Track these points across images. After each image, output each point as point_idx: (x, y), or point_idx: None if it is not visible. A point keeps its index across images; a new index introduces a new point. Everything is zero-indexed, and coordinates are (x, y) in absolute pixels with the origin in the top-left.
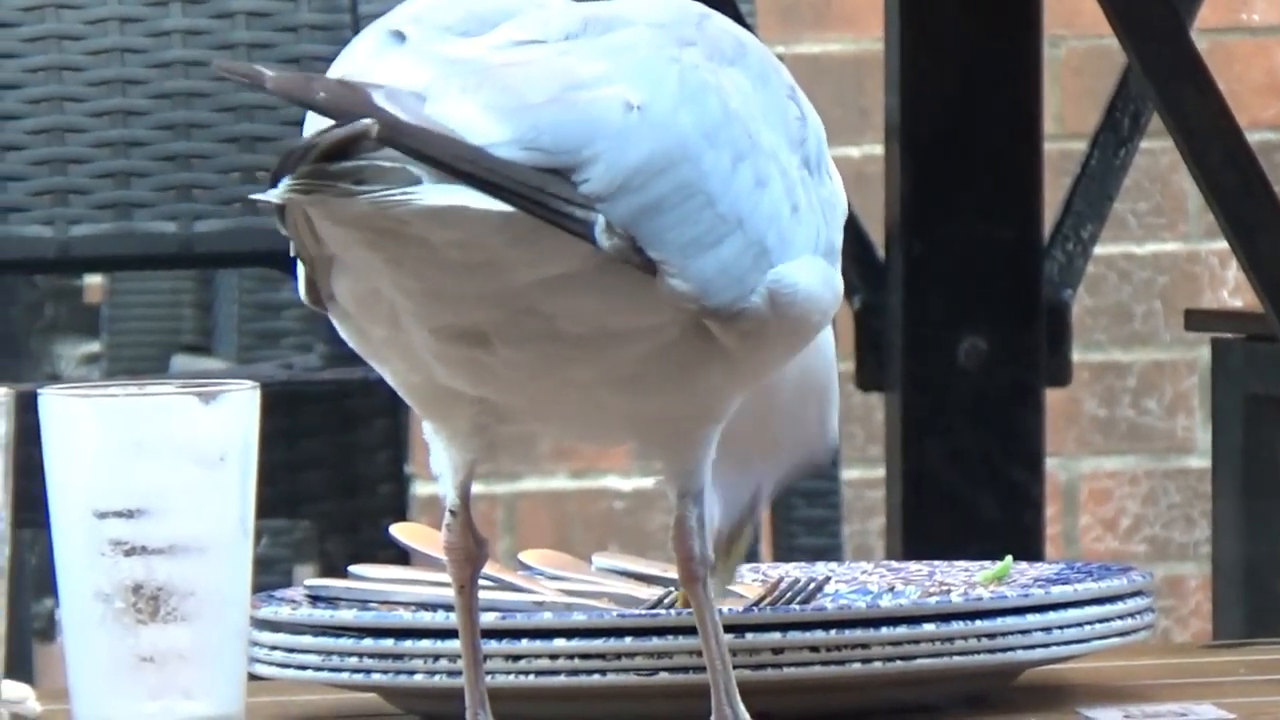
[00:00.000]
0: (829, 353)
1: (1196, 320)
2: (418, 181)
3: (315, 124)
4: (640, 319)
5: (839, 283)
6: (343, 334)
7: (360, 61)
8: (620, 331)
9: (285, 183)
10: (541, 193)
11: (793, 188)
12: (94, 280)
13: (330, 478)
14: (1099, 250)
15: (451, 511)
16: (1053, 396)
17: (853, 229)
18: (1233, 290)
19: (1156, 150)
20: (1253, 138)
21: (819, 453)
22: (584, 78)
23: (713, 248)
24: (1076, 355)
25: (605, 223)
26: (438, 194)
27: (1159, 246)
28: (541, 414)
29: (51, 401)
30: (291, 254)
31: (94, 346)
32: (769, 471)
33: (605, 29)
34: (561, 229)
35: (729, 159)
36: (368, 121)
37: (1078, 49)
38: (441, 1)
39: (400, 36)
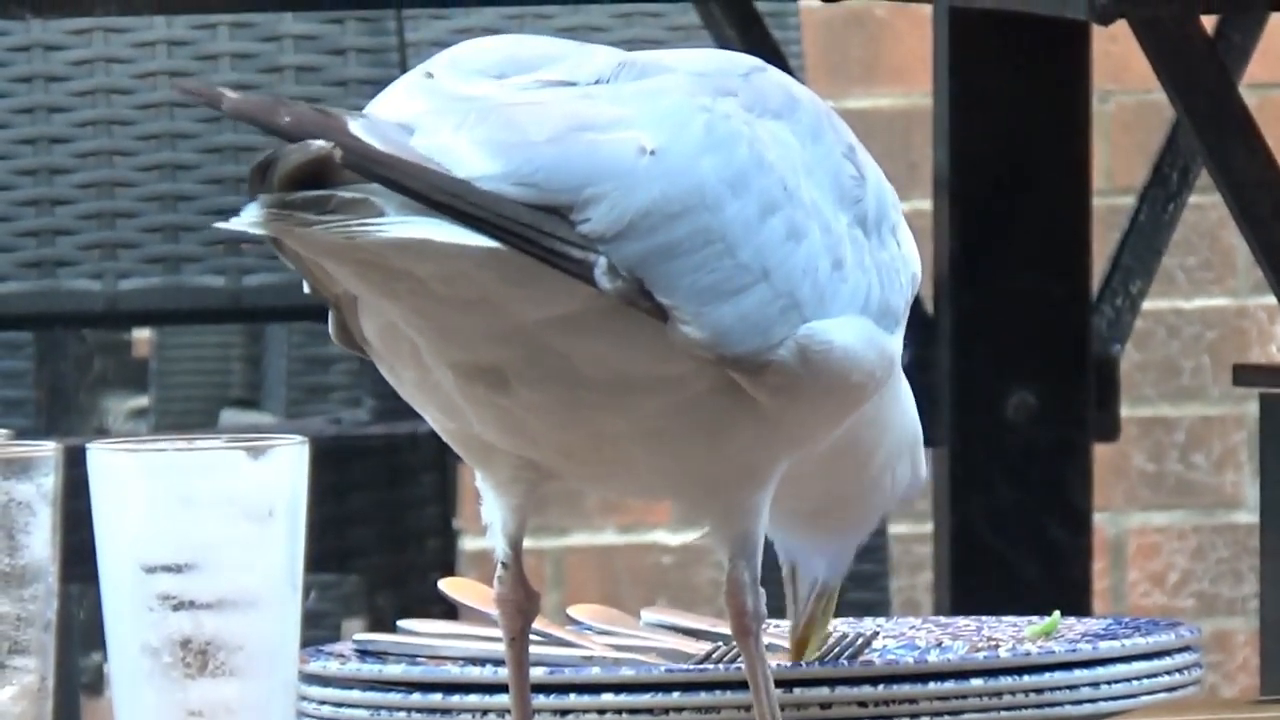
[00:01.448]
0: (909, 404)
1: (1245, 375)
2: (382, 213)
3: None
4: (658, 366)
5: (889, 346)
6: (386, 377)
7: (381, 101)
8: (641, 379)
9: (251, 209)
10: (532, 230)
11: (836, 244)
12: (142, 334)
13: (379, 532)
14: (1147, 305)
15: (503, 564)
16: (1101, 451)
17: None
18: None
19: (1205, 205)
20: None
21: (914, 497)
22: (596, 120)
23: (732, 296)
24: (1125, 410)
25: (608, 264)
26: (402, 226)
27: (1207, 301)
28: (578, 469)
29: (100, 456)
30: (305, 290)
31: (142, 401)
32: (866, 529)
33: (639, 75)
34: (556, 268)
35: (756, 209)
36: (321, 144)
37: (1126, 104)
38: (486, 45)
39: (430, 77)
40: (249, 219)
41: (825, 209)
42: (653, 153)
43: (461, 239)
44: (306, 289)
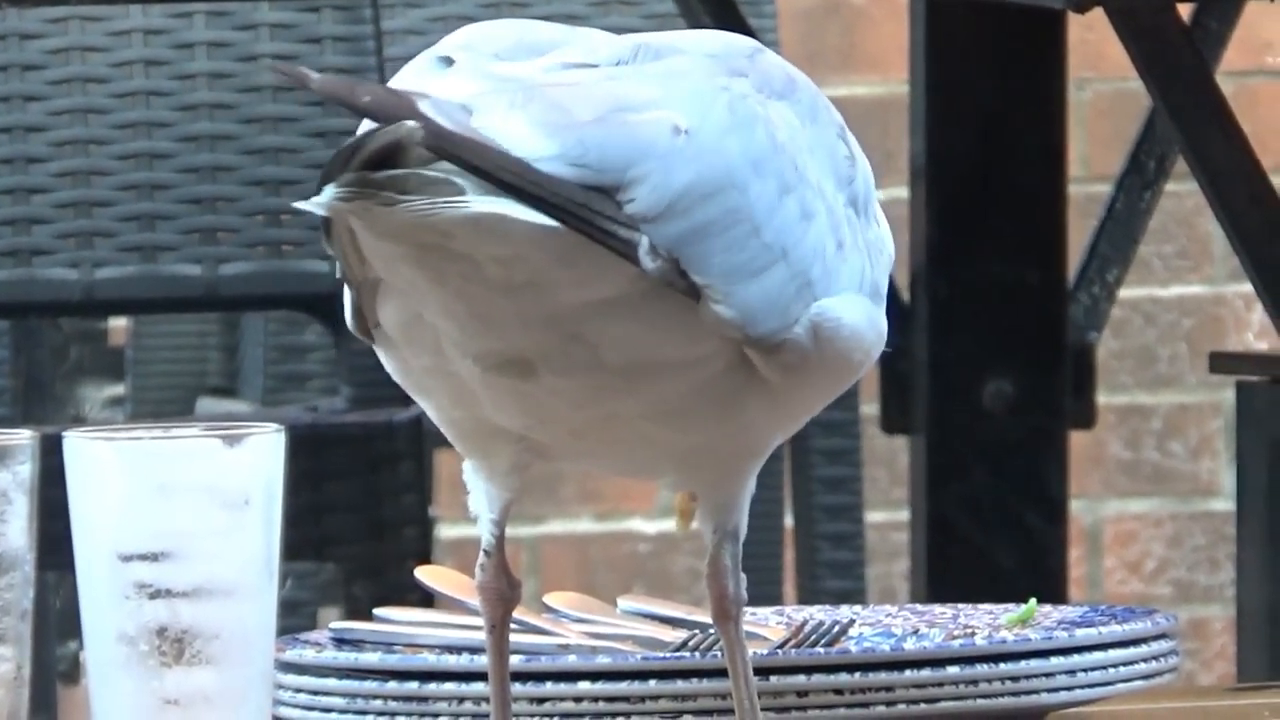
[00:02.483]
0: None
1: (1221, 363)
2: (462, 193)
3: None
4: (684, 349)
5: (883, 324)
6: (387, 366)
7: (408, 83)
8: (665, 363)
9: (329, 191)
10: (587, 209)
11: (838, 224)
12: (119, 323)
13: (355, 521)
14: (1124, 293)
15: (486, 552)
16: (1077, 439)
17: None
18: (1258, 333)
19: (1181, 193)
20: (1277, 180)
21: None
22: (633, 100)
23: (756, 276)
24: (1101, 398)
25: (650, 244)
26: (483, 203)
27: (1184, 289)
28: (584, 447)
29: (76, 444)
30: (338, 275)
31: (118, 389)
32: None
33: (656, 56)
34: (606, 247)
35: (775, 189)
36: (412, 124)
37: (1103, 92)
38: (491, 30)
39: (448, 61)
40: (328, 199)
41: (827, 189)
42: (686, 133)
43: (532, 218)
44: (339, 273)
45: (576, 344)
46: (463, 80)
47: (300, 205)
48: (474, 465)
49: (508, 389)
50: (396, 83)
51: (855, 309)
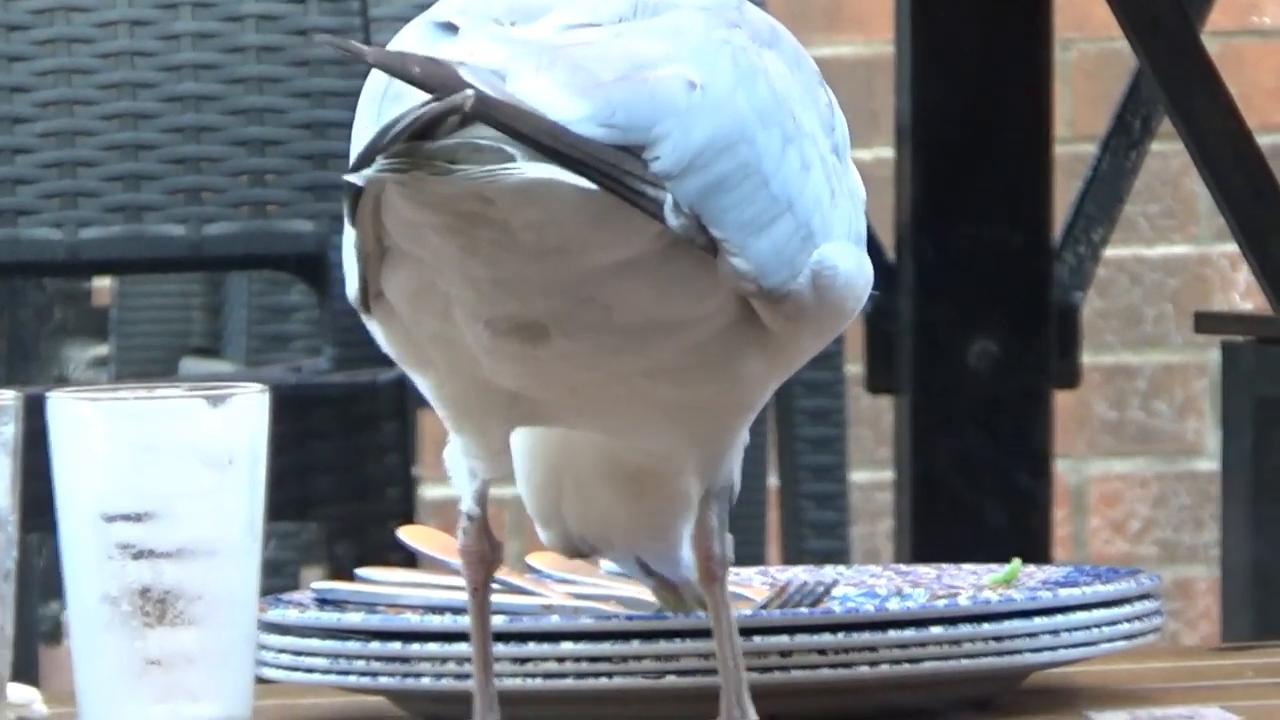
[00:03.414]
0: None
1: (1207, 323)
2: (513, 160)
3: (366, 112)
4: (692, 308)
5: (870, 269)
6: (383, 339)
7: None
8: (672, 322)
9: (380, 162)
10: (619, 170)
11: (830, 173)
12: (103, 283)
13: (338, 481)
14: (1109, 253)
15: (468, 515)
16: (1062, 399)
17: None
18: (1243, 293)
19: (1167, 153)
20: (1263, 140)
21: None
22: (648, 57)
23: (767, 228)
24: (1086, 358)
25: (673, 201)
26: (535, 169)
27: (1169, 249)
28: (579, 407)
29: (60, 405)
30: (354, 246)
31: (102, 349)
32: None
33: (654, 12)
34: (636, 207)
35: (779, 140)
36: (469, 93)
37: (1089, 52)
38: None
39: (450, 28)
40: (379, 170)
41: (818, 138)
42: (700, 88)
43: (577, 182)
44: (353, 245)
45: (590, 306)
46: (482, 45)
47: (350, 177)
48: (463, 443)
49: (513, 354)
50: (405, 47)
51: (848, 256)
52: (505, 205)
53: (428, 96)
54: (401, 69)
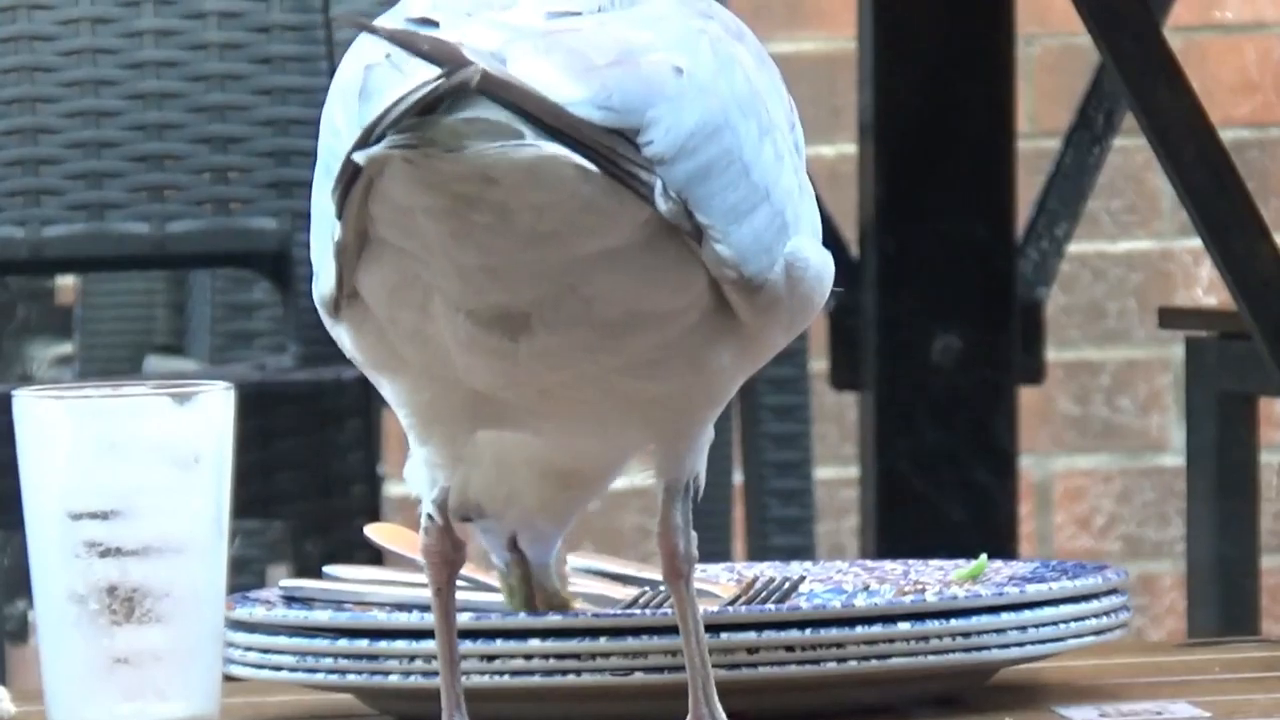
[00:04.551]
0: None
1: (1170, 318)
2: (522, 138)
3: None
4: (670, 300)
5: (833, 265)
6: (352, 344)
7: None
8: (649, 314)
9: (390, 139)
10: (615, 152)
11: (798, 166)
12: (66, 281)
13: (304, 478)
14: (1073, 248)
15: (429, 515)
16: (1026, 394)
17: (826, 227)
18: (1206, 288)
19: (1130, 148)
20: (1225, 135)
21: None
22: (636, 44)
23: (748, 215)
24: (1050, 353)
25: (663, 186)
26: (545, 146)
27: (1133, 244)
28: (549, 408)
29: (25, 403)
30: (335, 240)
31: (67, 348)
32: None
33: (630, 3)
34: (629, 189)
35: (756, 130)
36: (479, 67)
37: (1051, 47)
38: None
39: (430, 24)
40: (386, 147)
41: (785, 132)
42: (686, 74)
43: (581, 162)
44: (337, 235)
45: (572, 297)
46: (478, 29)
47: (357, 156)
48: (426, 454)
49: (491, 348)
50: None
51: (816, 249)
52: (509, 185)
53: (414, 85)
54: (414, 44)
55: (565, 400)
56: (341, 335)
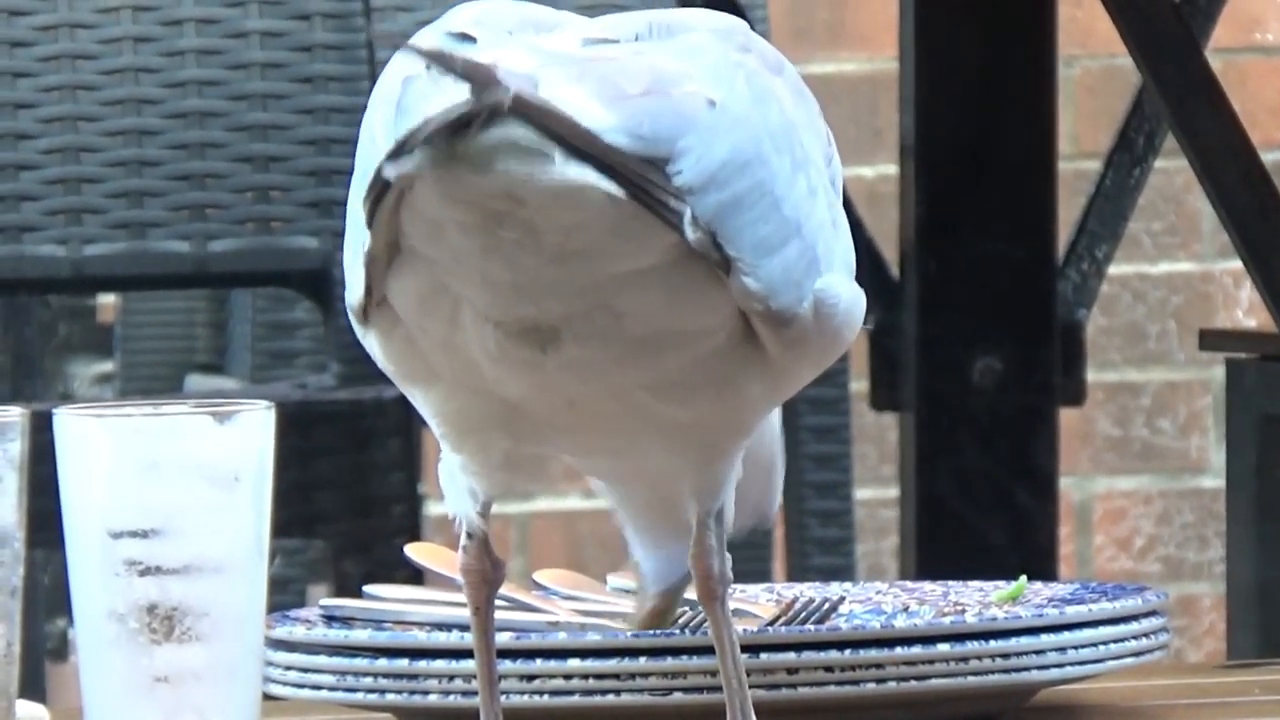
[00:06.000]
0: (778, 431)
1: (1210, 340)
2: (552, 161)
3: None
4: (699, 321)
5: (864, 302)
6: (380, 353)
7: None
8: (679, 333)
9: (420, 153)
10: (646, 180)
11: (832, 202)
12: (107, 300)
13: (344, 497)
14: (1113, 270)
15: (469, 534)
16: (1066, 416)
17: (867, 249)
18: (1247, 310)
19: (1171, 170)
20: (1267, 157)
21: (758, 526)
22: (670, 74)
23: (778, 250)
24: (1091, 375)
25: (692, 215)
26: (573, 171)
27: (1173, 266)
28: (579, 423)
29: (66, 421)
30: (364, 251)
31: (107, 366)
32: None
33: (669, 33)
34: (659, 218)
35: (790, 164)
36: (510, 89)
37: (1092, 69)
38: (496, 8)
39: (467, 38)
40: (420, 162)
41: (820, 167)
42: (719, 106)
43: (609, 187)
44: (367, 245)
45: (603, 312)
46: (513, 52)
47: (389, 169)
48: (461, 461)
49: (521, 360)
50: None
51: (848, 286)
52: (536, 206)
53: (449, 101)
54: (447, 63)
55: (594, 414)
56: (371, 344)
